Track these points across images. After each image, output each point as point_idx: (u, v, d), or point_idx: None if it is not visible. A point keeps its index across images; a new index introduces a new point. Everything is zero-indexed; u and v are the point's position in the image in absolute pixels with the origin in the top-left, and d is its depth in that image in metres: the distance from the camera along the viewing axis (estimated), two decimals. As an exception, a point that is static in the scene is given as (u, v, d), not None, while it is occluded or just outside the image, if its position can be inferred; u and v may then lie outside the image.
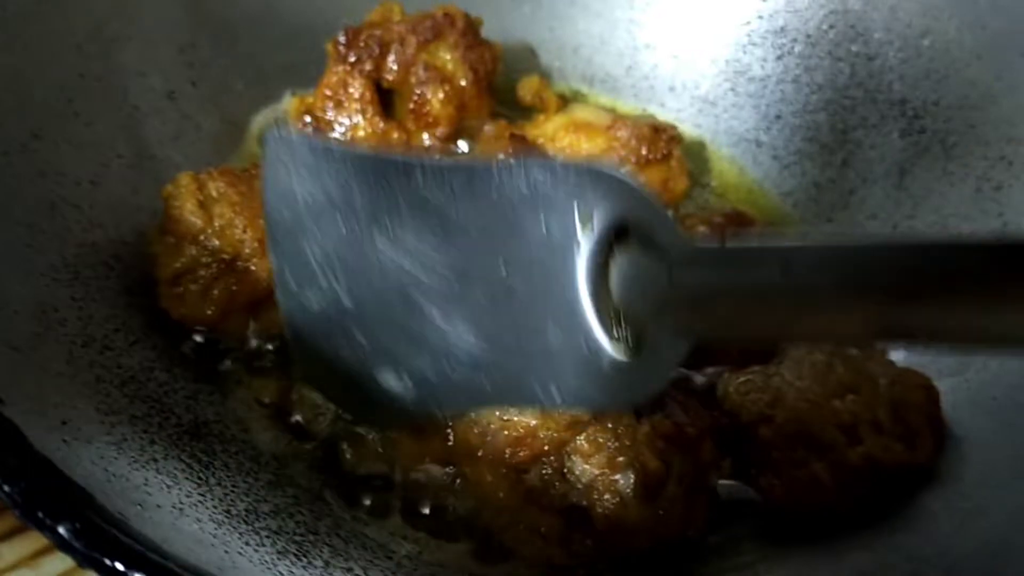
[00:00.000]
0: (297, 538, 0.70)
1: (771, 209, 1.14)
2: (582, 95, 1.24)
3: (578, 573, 0.79)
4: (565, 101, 1.13)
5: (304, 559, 0.67)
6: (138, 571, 0.50)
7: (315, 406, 0.84)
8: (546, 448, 0.78)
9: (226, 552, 0.61)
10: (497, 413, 0.80)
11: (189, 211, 0.84)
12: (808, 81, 1.15)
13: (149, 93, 0.99)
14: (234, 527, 0.66)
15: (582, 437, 0.78)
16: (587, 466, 0.78)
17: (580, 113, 1.08)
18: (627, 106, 1.24)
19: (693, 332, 0.59)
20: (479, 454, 0.80)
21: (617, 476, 0.77)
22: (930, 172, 1.05)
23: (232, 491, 0.72)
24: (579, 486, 0.78)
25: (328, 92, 1.05)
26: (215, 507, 0.67)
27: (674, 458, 0.78)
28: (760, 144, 1.18)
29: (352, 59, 1.04)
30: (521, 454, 0.78)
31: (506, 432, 0.79)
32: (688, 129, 1.22)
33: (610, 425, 0.78)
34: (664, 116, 1.23)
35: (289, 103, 1.09)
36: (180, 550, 0.55)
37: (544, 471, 0.78)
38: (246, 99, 1.09)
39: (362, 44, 1.04)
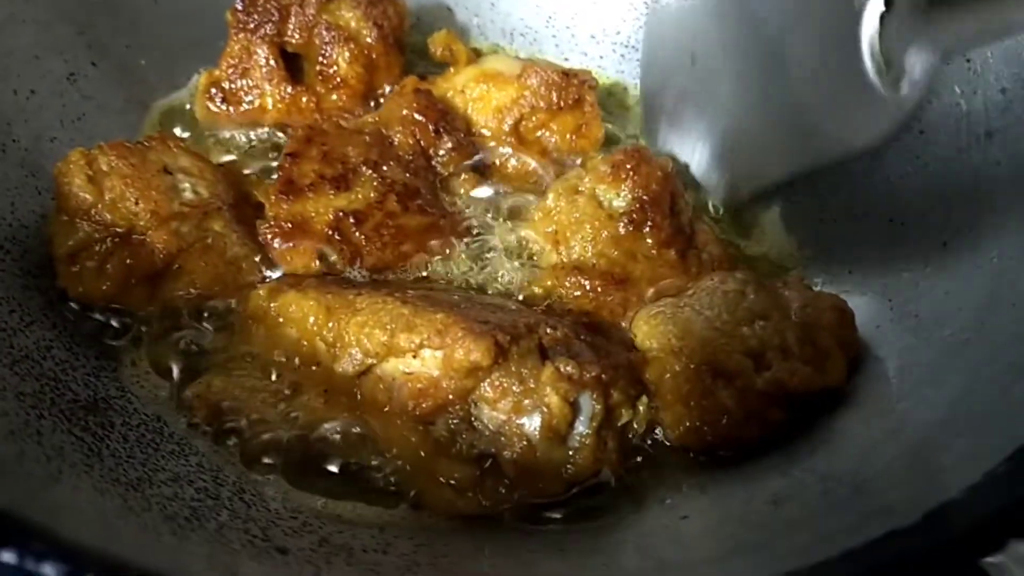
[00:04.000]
0: (193, 503, 0.69)
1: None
2: (503, 50, 1.22)
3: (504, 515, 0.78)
4: (479, 55, 1.11)
5: (195, 522, 0.66)
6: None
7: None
8: (451, 397, 0.76)
9: (100, 517, 0.60)
10: (400, 366, 0.79)
11: (78, 186, 0.83)
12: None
13: (47, 76, 0.98)
14: (120, 494, 0.65)
15: (486, 383, 0.76)
16: (493, 412, 0.77)
17: (490, 64, 1.06)
18: (550, 57, 1.22)
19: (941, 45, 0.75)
20: (386, 409, 0.79)
21: (523, 420, 0.76)
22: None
23: (127, 461, 0.71)
24: (487, 433, 0.77)
25: (232, 62, 1.03)
26: (101, 476, 0.66)
27: (581, 399, 0.77)
28: (682, 84, 1.16)
29: (252, 25, 1.02)
30: (425, 405, 0.76)
31: (409, 385, 0.78)
32: (611, 76, 1.20)
33: (514, 369, 0.76)
34: (587, 64, 1.21)
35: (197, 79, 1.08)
36: (40, 516, 0.54)
37: (451, 421, 0.77)
38: (152, 77, 1.07)
39: (260, 9, 1.02)
